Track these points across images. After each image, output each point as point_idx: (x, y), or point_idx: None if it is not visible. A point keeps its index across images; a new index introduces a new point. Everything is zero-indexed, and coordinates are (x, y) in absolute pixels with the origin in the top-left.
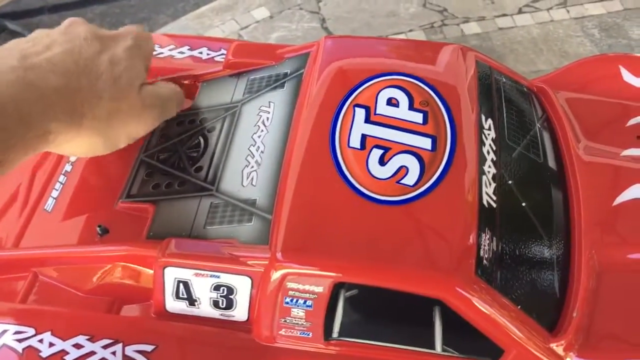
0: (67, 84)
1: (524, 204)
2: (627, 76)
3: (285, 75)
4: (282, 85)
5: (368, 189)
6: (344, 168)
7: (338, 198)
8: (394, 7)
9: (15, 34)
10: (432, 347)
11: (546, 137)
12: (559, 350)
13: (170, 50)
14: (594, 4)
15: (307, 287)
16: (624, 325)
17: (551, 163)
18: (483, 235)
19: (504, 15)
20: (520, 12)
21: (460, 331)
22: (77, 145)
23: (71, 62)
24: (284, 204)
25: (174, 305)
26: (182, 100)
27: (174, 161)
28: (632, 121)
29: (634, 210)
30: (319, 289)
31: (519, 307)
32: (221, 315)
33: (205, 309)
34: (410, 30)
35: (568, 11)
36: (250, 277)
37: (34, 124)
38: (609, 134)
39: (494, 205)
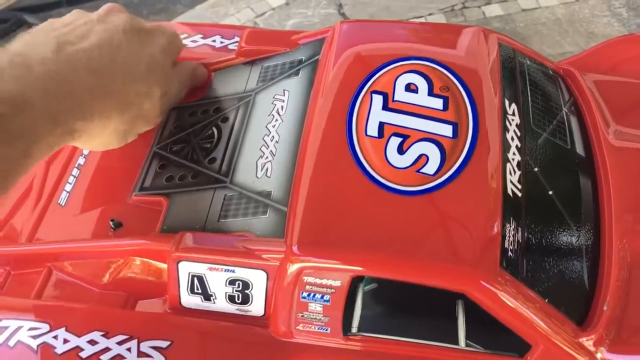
0: (101, 84)
1: (550, 192)
2: None
3: (300, 62)
4: (296, 73)
5: (387, 178)
6: (361, 157)
7: (355, 189)
8: None
9: (34, 27)
10: (456, 342)
11: (574, 121)
12: (589, 345)
13: (183, 38)
14: None
15: (324, 282)
16: None
17: (579, 149)
18: (508, 225)
19: None
20: None
21: (485, 325)
22: (94, 143)
23: (108, 58)
24: (299, 195)
25: (189, 300)
26: (204, 75)
27: (187, 153)
28: None
29: None
30: (337, 283)
31: (547, 300)
32: (237, 310)
33: (221, 304)
34: (430, 14)
35: None
36: (265, 272)
37: (62, 122)
38: None
39: (519, 194)
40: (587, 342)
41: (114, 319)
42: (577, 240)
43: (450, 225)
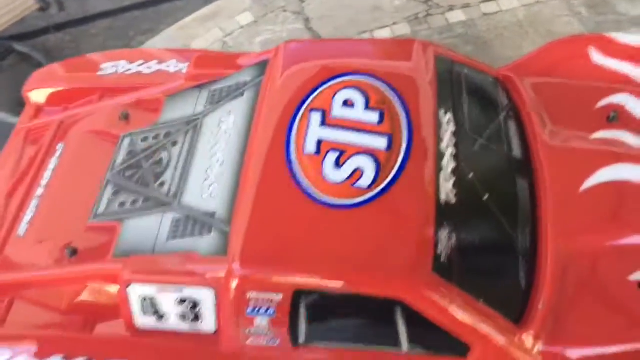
0: None
1: (485, 197)
2: (597, 57)
3: (245, 83)
4: (241, 94)
5: (323, 193)
6: (299, 175)
7: (294, 206)
8: (378, 2)
9: (23, 55)
10: (399, 346)
11: (512, 126)
12: (527, 341)
13: (139, 66)
14: None
15: (267, 296)
16: (592, 312)
17: (516, 152)
18: (441, 231)
19: (489, 0)
20: None
21: (428, 329)
22: None
23: None
24: (241, 215)
25: (143, 321)
26: None
27: (139, 178)
28: (602, 102)
29: (600, 195)
30: (279, 297)
31: (482, 300)
32: (190, 328)
33: (174, 323)
34: (395, 23)
35: None
36: (212, 288)
37: None
38: (578, 117)
39: (453, 200)
40: (525, 338)
41: (74, 343)
42: (513, 242)
43: (384, 235)
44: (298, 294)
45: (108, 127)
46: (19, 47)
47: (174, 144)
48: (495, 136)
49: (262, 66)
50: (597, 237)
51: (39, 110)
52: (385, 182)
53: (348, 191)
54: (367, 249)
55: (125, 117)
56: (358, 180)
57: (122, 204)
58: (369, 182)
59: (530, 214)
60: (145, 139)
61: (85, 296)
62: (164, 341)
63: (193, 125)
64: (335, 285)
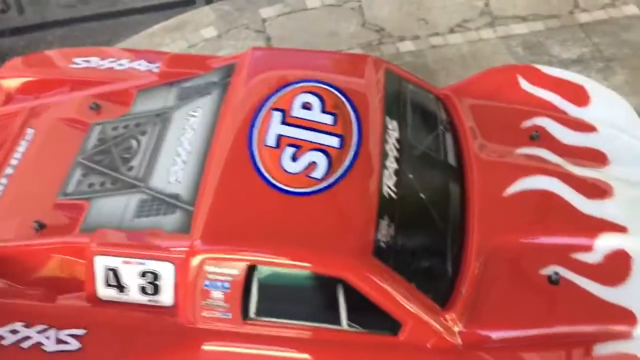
0: None
1: (422, 195)
2: (524, 84)
3: (213, 83)
4: (209, 92)
5: (280, 182)
6: (259, 164)
7: (253, 191)
8: (335, 27)
9: None
10: (339, 323)
11: (448, 138)
12: (449, 322)
13: (111, 62)
14: (518, 24)
15: (224, 270)
16: (506, 299)
17: (451, 160)
18: (382, 221)
19: (437, 34)
20: (451, 31)
21: (365, 308)
22: None
23: None
24: (204, 197)
25: (105, 292)
26: None
27: (108, 162)
28: (526, 123)
29: (520, 200)
30: (235, 272)
31: (414, 284)
32: (149, 300)
33: (134, 295)
34: (349, 49)
35: (495, 30)
36: (173, 263)
37: None
38: (506, 135)
39: (394, 196)
40: (448, 319)
41: (34, 311)
42: (443, 236)
43: (332, 220)
44: (251, 270)
45: (79, 115)
46: None
47: (144, 133)
48: (434, 145)
49: (230, 68)
50: (515, 236)
51: (9, 97)
52: (336, 175)
53: (302, 181)
54: (316, 232)
55: (96, 108)
56: (312, 172)
57: (90, 185)
58: (322, 174)
59: (459, 212)
60: (115, 128)
61: (48, 270)
62: (123, 311)
63: (163, 117)
64: (284, 262)
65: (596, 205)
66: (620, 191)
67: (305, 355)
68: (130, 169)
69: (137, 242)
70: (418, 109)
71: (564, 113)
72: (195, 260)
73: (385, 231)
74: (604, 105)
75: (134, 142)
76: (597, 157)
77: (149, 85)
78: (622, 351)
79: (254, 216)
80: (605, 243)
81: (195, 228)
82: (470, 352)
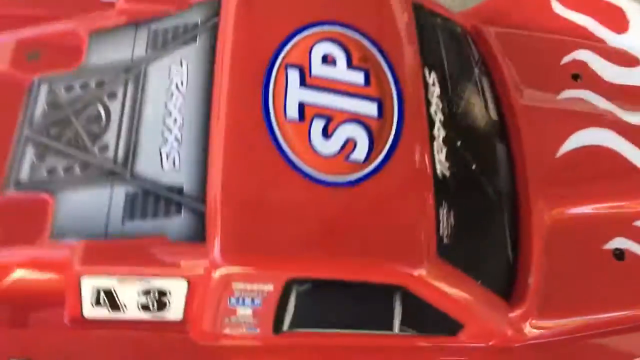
0: None
1: (474, 167)
2: (557, 7)
3: (196, 26)
4: (193, 39)
5: (315, 168)
6: (283, 144)
7: (280, 181)
8: None
9: None
10: (389, 328)
11: (485, 84)
12: (518, 319)
13: None
14: None
15: (255, 287)
16: (578, 281)
17: (493, 114)
18: (441, 210)
19: None
20: None
21: (419, 310)
22: None
23: None
24: (216, 191)
25: (92, 312)
26: None
27: (69, 138)
28: (566, 59)
29: (577, 159)
30: (269, 287)
31: (479, 281)
32: (153, 317)
33: (132, 313)
34: None
35: None
36: (186, 280)
37: None
38: (546, 75)
39: (448, 174)
40: (517, 316)
41: (5, 341)
42: (500, 215)
43: (384, 217)
44: (289, 284)
45: (12, 68)
46: None
47: (112, 96)
48: (474, 96)
49: (215, 5)
50: (572, 205)
51: None
52: (382, 156)
53: (342, 166)
54: (368, 233)
55: (35, 57)
56: (352, 152)
57: (51, 171)
58: (365, 155)
59: (511, 183)
60: (70, 88)
61: (12, 281)
62: (121, 331)
63: (134, 73)
64: (334, 274)
65: None
66: None
67: None
68: (104, 148)
69: (136, 258)
70: (452, 52)
71: (603, 42)
72: (218, 277)
73: (446, 222)
74: None
75: (101, 110)
76: None
77: (105, 25)
78: None
79: (286, 216)
80: None
81: (212, 234)
82: (538, 347)
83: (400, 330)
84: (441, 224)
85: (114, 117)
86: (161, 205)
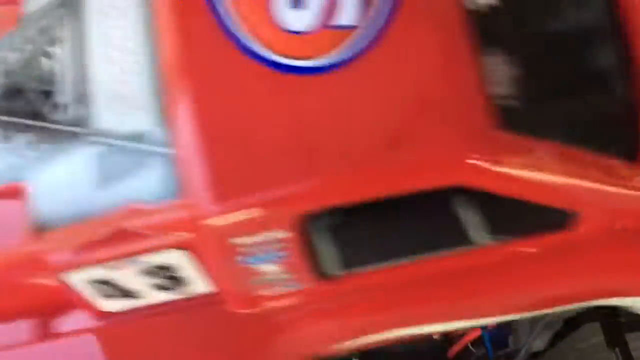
0: None
1: None
2: None
3: None
4: None
5: (284, 53)
6: (236, 30)
7: (253, 84)
8: None
9: None
10: (468, 242)
11: None
12: None
13: None
14: None
15: (262, 238)
16: None
17: None
18: (489, 59)
19: None
20: None
21: (504, 209)
22: None
23: None
24: (179, 124)
25: (111, 305)
26: None
27: (24, 106)
28: None
29: None
30: (280, 234)
31: (579, 143)
32: (179, 295)
33: (152, 296)
34: None
35: None
36: (180, 249)
37: None
38: None
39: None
40: None
41: (36, 354)
42: (599, 52)
43: (405, 98)
44: (306, 220)
45: None
46: None
47: (54, 42)
48: None
49: None
50: None
51: None
52: (381, 6)
53: (325, 39)
54: (389, 129)
55: None
56: (332, 17)
57: (16, 150)
58: (353, 14)
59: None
60: (17, 49)
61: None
62: (151, 317)
63: (69, 6)
64: (359, 194)
65: None
66: None
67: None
68: (56, 107)
69: (108, 240)
70: None
71: None
72: (207, 236)
73: (501, 77)
74: None
75: (47, 62)
76: None
77: None
78: None
79: (276, 133)
80: None
81: (188, 183)
82: None
83: (489, 238)
84: (493, 79)
85: (63, 66)
86: (128, 160)
